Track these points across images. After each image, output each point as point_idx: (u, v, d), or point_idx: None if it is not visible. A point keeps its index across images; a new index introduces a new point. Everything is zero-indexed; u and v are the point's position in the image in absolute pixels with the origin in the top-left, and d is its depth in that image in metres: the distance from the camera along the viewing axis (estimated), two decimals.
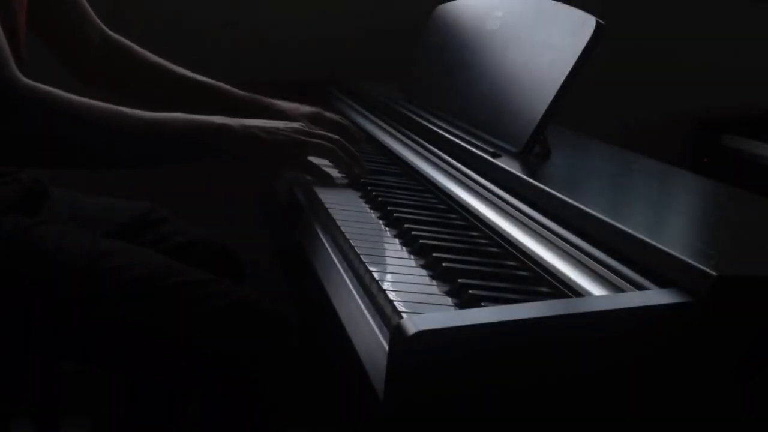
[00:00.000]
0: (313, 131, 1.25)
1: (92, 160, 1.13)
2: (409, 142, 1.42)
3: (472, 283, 0.86)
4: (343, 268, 0.97)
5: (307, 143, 1.21)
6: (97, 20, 1.42)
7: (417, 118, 1.44)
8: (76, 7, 1.38)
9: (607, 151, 1.45)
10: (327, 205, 1.14)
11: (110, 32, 1.44)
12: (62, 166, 1.15)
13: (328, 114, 1.40)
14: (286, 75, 1.99)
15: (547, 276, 0.90)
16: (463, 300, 0.85)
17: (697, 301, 0.72)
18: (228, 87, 1.44)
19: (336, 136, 1.26)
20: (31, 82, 1.05)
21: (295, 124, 1.24)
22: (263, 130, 1.19)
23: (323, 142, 1.23)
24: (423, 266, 0.96)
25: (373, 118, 1.62)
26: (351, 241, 1.00)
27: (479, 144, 1.22)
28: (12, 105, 1.03)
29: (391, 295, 0.83)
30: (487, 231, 1.06)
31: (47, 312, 1.07)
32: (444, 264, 0.93)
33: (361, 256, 0.95)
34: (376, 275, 0.89)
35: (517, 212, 1.02)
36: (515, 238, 0.98)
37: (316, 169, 1.25)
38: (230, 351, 1.08)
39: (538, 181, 1.02)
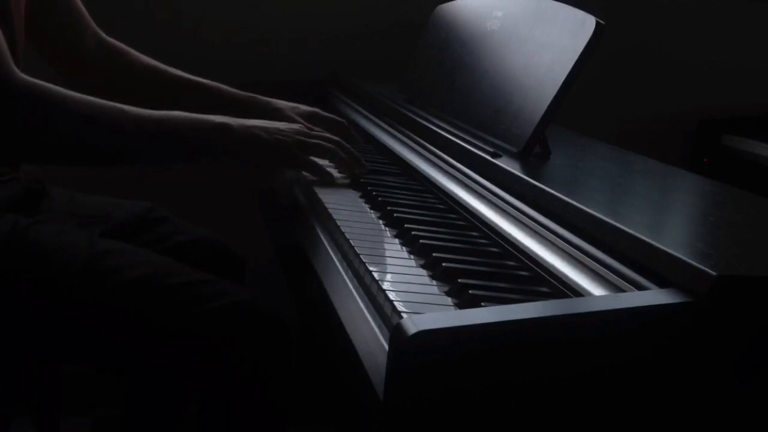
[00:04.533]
0: (313, 132, 1.25)
1: (89, 157, 1.13)
2: (409, 142, 1.42)
3: (472, 283, 0.86)
4: (343, 268, 0.97)
5: (307, 143, 1.22)
6: (93, 24, 1.41)
7: (417, 118, 1.43)
8: (72, 11, 1.37)
9: (607, 151, 1.45)
10: (327, 205, 1.14)
11: (106, 36, 1.43)
12: (59, 162, 1.14)
13: (325, 114, 1.40)
14: (286, 75, 1.99)
15: (547, 276, 0.90)
16: (463, 300, 0.85)
17: (697, 301, 0.72)
18: (225, 87, 1.44)
19: (336, 137, 1.27)
20: (29, 78, 1.04)
21: (295, 125, 1.24)
22: (264, 130, 1.18)
23: (323, 143, 1.24)
24: (423, 266, 0.96)
25: (373, 118, 1.62)
26: (351, 241, 1.00)
27: (479, 144, 1.22)
28: (8, 100, 1.02)
29: (391, 295, 0.83)
30: (487, 231, 1.06)
31: (46, 312, 1.07)
32: (444, 264, 0.93)
33: (361, 256, 0.95)
34: (376, 275, 0.89)
35: (517, 212, 1.02)
36: (515, 238, 0.98)
37: (317, 168, 1.25)
38: (228, 351, 1.07)
39: (538, 181, 1.02)
